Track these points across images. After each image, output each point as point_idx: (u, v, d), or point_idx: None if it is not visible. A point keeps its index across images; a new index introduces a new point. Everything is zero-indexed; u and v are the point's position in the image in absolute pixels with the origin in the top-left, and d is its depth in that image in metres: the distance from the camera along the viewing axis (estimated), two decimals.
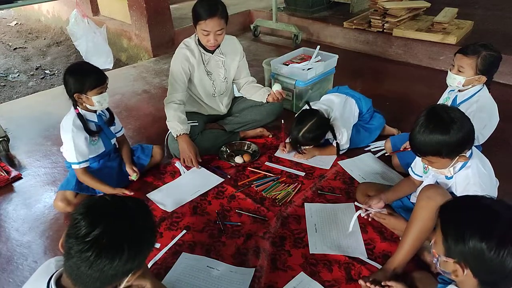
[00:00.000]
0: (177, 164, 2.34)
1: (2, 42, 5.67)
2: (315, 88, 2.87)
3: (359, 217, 1.86)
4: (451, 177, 1.59)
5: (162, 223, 1.92)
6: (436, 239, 1.09)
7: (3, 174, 2.28)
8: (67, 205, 1.95)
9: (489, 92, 2.02)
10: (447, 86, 2.11)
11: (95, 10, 4.80)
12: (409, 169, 1.82)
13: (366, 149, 2.44)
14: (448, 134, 1.41)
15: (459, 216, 1.03)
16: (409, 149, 1.86)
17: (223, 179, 2.21)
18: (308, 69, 2.76)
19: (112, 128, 2.14)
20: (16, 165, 2.44)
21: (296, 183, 2.17)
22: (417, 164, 1.76)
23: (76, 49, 3.35)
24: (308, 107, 2.33)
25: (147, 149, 2.28)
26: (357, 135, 2.42)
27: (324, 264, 1.68)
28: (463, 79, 1.94)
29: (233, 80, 2.56)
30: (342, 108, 2.38)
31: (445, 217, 1.06)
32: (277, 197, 2.07)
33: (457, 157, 1.48)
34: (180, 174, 2.28)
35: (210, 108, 2.54)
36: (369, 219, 1.83)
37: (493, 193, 1.62)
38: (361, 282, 1.53)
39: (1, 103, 3.66)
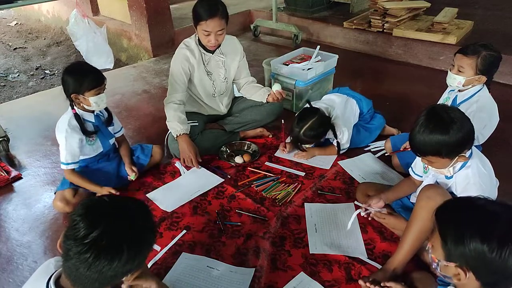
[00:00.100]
0: (177, 164, 2.34)
1: (2, 42, 5.67)
2: (315, 88, 2.87)
3: (359, 217, 1.86)
4: (451, 177, 1.59)
5: (162, 223, 1.92)
6: (434, 244, 1.08)
7: (3, 174, 2.28)
8: (66, 205, 1.95)
9: (489, 92, 2.02)
10: (447, 86, 2.11)
11: (95, 10, 4.81)
12: (409, 169, 1.82)
13: (366, 149, 2.44)
14: (447, 134, 1.41)
15: (457, 219, 1.02)
16: (409, 149, 1.86)
17: (223, 179, 2.21)
18: (308, 69, 2.76)
19: (110, 128, 2.14)
20: (16, 165, 2.44)
21: (296, 183, 2.17)
22: (417, 164, 1.76)
23: (76, 49, 3.36)
24: (309, 106, 2.33)
25: (147, 149, 2.28)
26: (357, 135, 2.42)
27: (324, 264, 1.68)
28: (463, 79, 1.94)
29: (233, 80, 2.56)
30: (343, 108, 2.38)
31: (442, 221, 1.05)
32: (277, 197, 2.07)
33: (457, 157, 1.48)
34: (180, 174, 2.28)
35: (210, 108, 2.54)
36: (369, 218, 1.83)
37: (493, 193, 1.62)
38: (361, 282, 1.53)
39: (1, 103, 3.66)
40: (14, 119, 2.97)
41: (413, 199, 1.79)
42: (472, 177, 1.52)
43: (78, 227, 0.95)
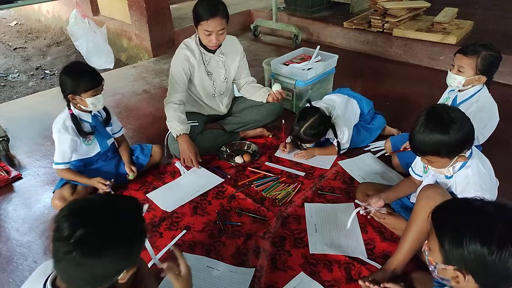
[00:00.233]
0: (177, 164, 2.34)
1: (2, 42, 5.67)
2: (315, 88, 2.87)
3: (359, 216, 1.86)
4: (451, 177, 1.59)
5: (162, 223, 1.92)
6: (431, 246, 1.07)
7: (3, 174, 2.28)
8: (64, 203, 1.94)
9: (489, 92, 2.02)
10: (447, 86, 2.11)
11: (95, 10, 4.81)
12: (410, 169, 1.82)
13: (366, 149, 2.44)
14: (447, 134, 1.41)
15: (455, 221, 1.01)
16: (409, 149, 1.86)
17: (223, 179, 2.21)
18: (308, 69, 2.76)
19: (109, 128, 2.13)
20: (16, 165, 2.44)
21: (296, 183, 2.17)
22: (417, 164, 1.77)
23: (76, 49, 3.35)
24: (309, 105, 2.33)
25: (146, 148, 2.28)
26: (358, 135, 2.42)
27: (324, 264, 1.68)
28: (463, 79, 1.94)
29: (233, 80, 2.56)
30: (343, 107, 2.38)
31: (439, 223, 1.04)
32: (277, 197, 2.07)
33: (457, 157, 1.48)
34: (180, 174, 2.28)
35: (210, 108, 2.54)
36: (368, 217, 1.83)
37: (493, 193, 1.62)
38: (360, 282, 1.53)
39: (1, 103, 3.66)
40: (14, 119, 2.97)
41: (413, 199, 1.79)
42: (472, 177, 1.52)
43: (62, 227, 0.94)
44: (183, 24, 4.42)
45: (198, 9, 2.15)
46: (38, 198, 2.17)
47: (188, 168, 2.29)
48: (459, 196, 1.57)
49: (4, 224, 2.00)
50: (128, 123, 2.85)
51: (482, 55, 1.89)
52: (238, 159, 2.34)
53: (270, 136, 2.60)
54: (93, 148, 2.08)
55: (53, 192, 2.05)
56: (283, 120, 2.43)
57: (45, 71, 4.68)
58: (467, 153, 1.50)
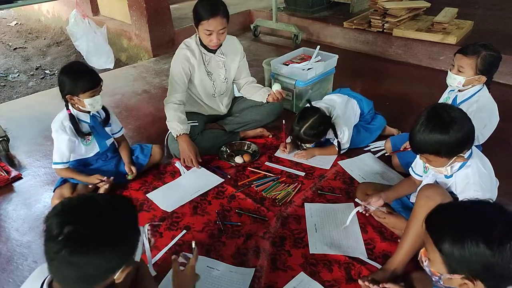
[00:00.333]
0: (177, 164, 2.34)
1: (2, 42, 5.67)
2: (315, 88, 2.87)
3: (359, 216, 1.86)
4: (451, 176, 1.59)
5: (162, 223, 1.92)
6: (430, 257, 1.05)
7: (3, 174, 2.28)
8: None
9: (489, 92, 2.02)
10: (447, 86, 2.11)
11: (95, 10, 4.81)
12: (410, 169, 1.82)
13: (366, 149, 2.44)
14: (447, 134, 1.41)
15: (453, 228, 0.99)
16: (409, 149, 1.86)
17: (223, 179, 2.21)
18: (308, 69, 2.76)
19: (108, 128, 2.13)
20: (16, 165, 2.44)
21: (296, 183, 2.17)
22: (418, 164, 1.77)
23: (76, 49, 3.35)
24: (309, 105, 2.33)
25: (146, 148, 2.28)
26: (358, 135, 2.42)
27: (324, 264, 1.68)
28: (463, 79, 1.94)
29: (233, 80, 2.56)
30: (344, 107, 2.38)
31: (435, 231, 1.02)
32: (277, 197, 2.07)
33: (455, 157, 1.47)
34: (180, 174, 2.28)
35: (210, 108, 2.54)
36: (366, 214, 1.83)
37: (493, 193, 1.62)
38: (360, 282, 1.53)
39: (1, 103, 3.66)
40: (14, 119, 2.97)
41: (413, 199, 1.79)
42: (472, 177, 1.52)
43: (51, 227, 0.95)
44: (183, 24, 4.42)
45: (199, 9, 2.15)
46: (38, 198, 2.17)
47: (188, 168, 2.29)
48: (459, 196, 1.57)
49: (4, 224, 2.00)
50: (128, 123, 2.85)
51: (482, 55, 1.89)
52: (238, 159, 2.34)
53: (270, 136, 2.60)
54: (92, 148, 2.08)
55: (53, 191, 2.05)
56: (283, 120, 2.43)
57: (45, 71, 4.68)
58: (467, 154, 1.50)
